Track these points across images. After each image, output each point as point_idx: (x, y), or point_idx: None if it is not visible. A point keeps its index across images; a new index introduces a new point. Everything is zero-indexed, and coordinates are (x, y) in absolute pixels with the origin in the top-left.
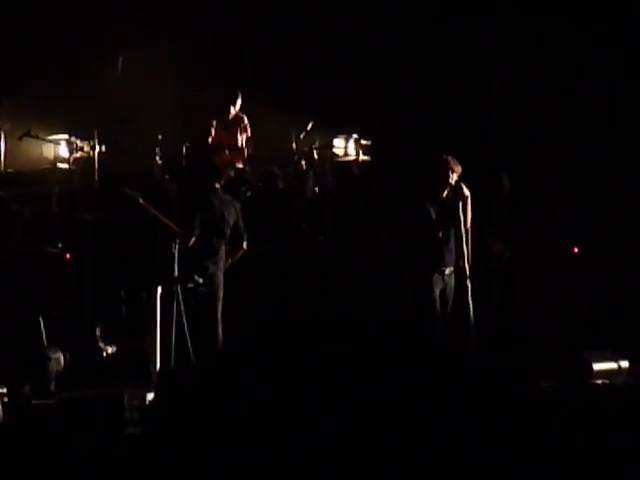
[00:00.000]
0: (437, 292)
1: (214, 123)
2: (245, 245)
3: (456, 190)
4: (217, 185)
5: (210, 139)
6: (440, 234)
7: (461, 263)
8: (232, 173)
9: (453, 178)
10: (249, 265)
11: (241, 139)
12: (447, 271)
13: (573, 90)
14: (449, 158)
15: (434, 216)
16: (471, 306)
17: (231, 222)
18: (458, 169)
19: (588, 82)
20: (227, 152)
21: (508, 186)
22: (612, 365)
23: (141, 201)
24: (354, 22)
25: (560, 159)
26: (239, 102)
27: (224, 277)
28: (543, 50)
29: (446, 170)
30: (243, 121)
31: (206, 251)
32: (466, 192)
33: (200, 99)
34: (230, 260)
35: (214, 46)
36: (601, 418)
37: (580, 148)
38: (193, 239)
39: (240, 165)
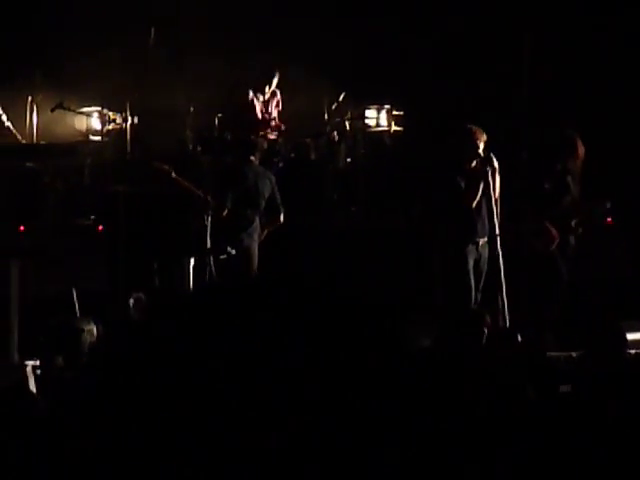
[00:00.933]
0: (471, 263)
1: (251, 96)
2: (282, 218)
3: (485, 161)
4: (252, 158)
5: (247, 112)
6: (473, 205)
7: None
8: (265, 145)
9: (480, 147)
10: (282, 236)
11: (275, 113)
12: (481, 242)
13: (607, 63)
14: (474, 127)
15: (463, 186)
16: (503, 276)
17: (266, 194)
18: (484, 138)
19: (622, 58)
20: (263, 125)
21: (583, 153)
22: None
23: (173, 175)
24: None
25: (590, 126)
26: (275, 81)
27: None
28: (576, 17)
29: (473, 140)
30: (276, 96)
31: (240, 223)
32: (495, 163)
33: (238, 76)
34: (265, 231)
35: (247, 17)
36: (634, 388)
37: (609, 116)
38: (225, 211)
39: (273, 137)
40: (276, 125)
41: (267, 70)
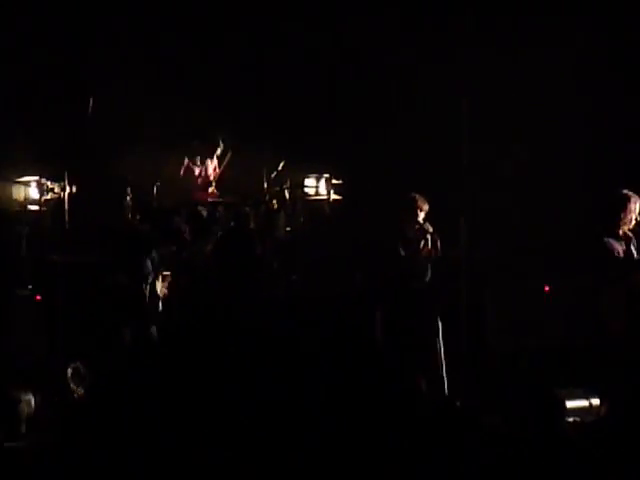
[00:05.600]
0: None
1: (186, 162)
2: None
3: (422, 228)
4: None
5: (181, 175)
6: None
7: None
8: (204, 213)
9: (420, 216)
10: (223, 304)
11: (213, 177)
12: None
13: (545, 135)
14: (417, 196)
15: (403, 253)
16: (442, 343)
17: None
18: (425, 207)
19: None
20: (198, 190)
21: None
22: (584, 403)
23: None
24: (326, 63)
25: (530, 194)
26: (219, 150)
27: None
28: (514, 90)
29: (414, 208)
30: (213, 160)
31: None
32: (429, 228)
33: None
34: None
35: (185, 86)
36: (572, 456)
37: (551, 183)
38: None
39: (212, 198)
40: (212, 188)
41: (212, 140)
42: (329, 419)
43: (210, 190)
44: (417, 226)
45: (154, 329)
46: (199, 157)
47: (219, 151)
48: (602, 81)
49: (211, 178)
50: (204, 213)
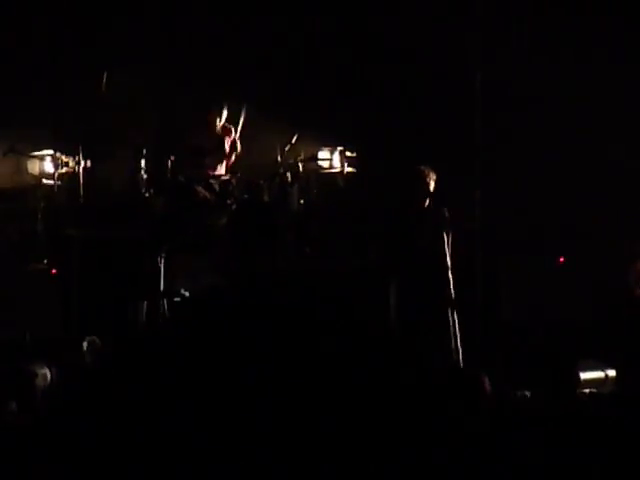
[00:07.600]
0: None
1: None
2: None
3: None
4: None
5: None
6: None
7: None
8: (217, 186)
9: (431, 186)
10: (236, 277)
11: (228, 151)
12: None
13: (559, 102)
14: (423, 167)
15: (416, 226)
16: (456, 314)
17: None
18: (434, 177)
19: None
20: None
21: None
22: (599, 374)
23: None
24: (337, 34)
25: (545, 170)
26: (225, 115)
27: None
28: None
29: (423, 179)
30: (231, 133)
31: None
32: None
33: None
34: None
35: (199, 58)
36: (587, 427)
37: (564, 159)
38: None
39: (226, 177)
40: (226, 161)
41: (215, 105)
42: (338, 394)
43: (225, 165)
44: (430, 198)
45: (166, 302)
46: (213, 130)
47: (224, 116)
48: None
49: (236, 148)
50: (217, 186)
